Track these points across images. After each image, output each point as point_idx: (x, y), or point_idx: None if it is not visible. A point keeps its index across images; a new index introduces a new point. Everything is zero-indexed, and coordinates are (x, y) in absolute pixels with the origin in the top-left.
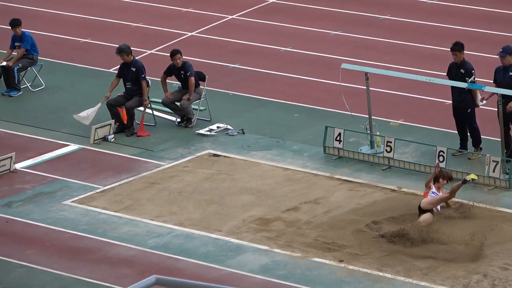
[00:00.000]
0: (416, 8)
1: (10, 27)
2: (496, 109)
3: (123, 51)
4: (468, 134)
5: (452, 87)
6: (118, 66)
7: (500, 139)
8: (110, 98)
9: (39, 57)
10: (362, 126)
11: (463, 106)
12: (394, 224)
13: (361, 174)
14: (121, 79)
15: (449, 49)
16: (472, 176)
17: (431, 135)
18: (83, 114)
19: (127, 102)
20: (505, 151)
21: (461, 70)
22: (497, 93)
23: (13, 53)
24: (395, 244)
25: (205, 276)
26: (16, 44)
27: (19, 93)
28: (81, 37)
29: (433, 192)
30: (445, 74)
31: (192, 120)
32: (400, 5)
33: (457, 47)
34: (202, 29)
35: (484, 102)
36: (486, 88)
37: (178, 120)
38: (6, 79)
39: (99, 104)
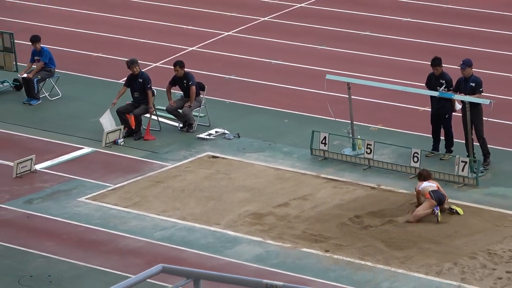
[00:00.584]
0: (393, 26)
1: (30, 43)
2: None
3: (134, 63)
4: (442, 137)
5: (431, 96)
6: (126, 77)
7: (464, 141)
8: (120, 106)
9: (56, 70)
10: (345, 130)
11: (442, 112)
12: (374, 218)
13: (344, 173)
14: (128, 88)
15: (425, 62)
16: (460, 211)
17: (407, 138)
18: (105, 123)
19: (135, 110)
20: (473, 152)
21: (441, 81)
22: (462, 101)
23: (32, 66)
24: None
25: (205, 265)
26: (36, 58)
27: (38, 102)
28: (93, 52)
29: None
30: (422, 84)
31: (193, 126)
32: (378, 22)
33: (437, 62)
34: (201, 44)
35: (460, 106)
36: (455, 96)
37: (181, 125)
38: (27, 89)
39: (108, 110)
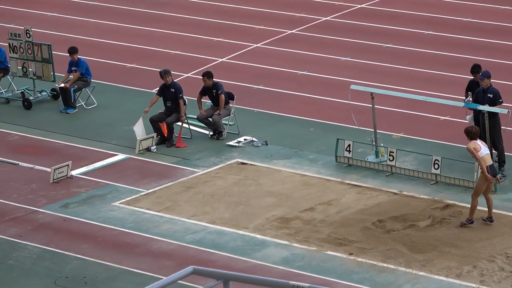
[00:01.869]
0: (414, 38)
1: (68, 54)
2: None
3: (167, 73)
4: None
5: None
6: (159, 87)
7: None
8: (153, 115)
9: (92, 80)
10: (369, 138)
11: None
12: (396, 222)
13: (367, 180)
14: (161, 97)
15: (444, 73)
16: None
17: (427, 146)
18: (138, 131)
19: (167, 118)
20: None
21: (489, 95)
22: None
23: (70, 76)
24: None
25: (234, 267)
26: (73, 68)
27: (75, 111)
28: (127, 63)
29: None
30: (442, 94)
31: (223, 133)
32: (400, 35)
33: (477, 69)
34: (230, 56)
35: (469, 117)
36: (480, 107)
37: (211, 133)
38: (64, 99)
39: (140, 119)
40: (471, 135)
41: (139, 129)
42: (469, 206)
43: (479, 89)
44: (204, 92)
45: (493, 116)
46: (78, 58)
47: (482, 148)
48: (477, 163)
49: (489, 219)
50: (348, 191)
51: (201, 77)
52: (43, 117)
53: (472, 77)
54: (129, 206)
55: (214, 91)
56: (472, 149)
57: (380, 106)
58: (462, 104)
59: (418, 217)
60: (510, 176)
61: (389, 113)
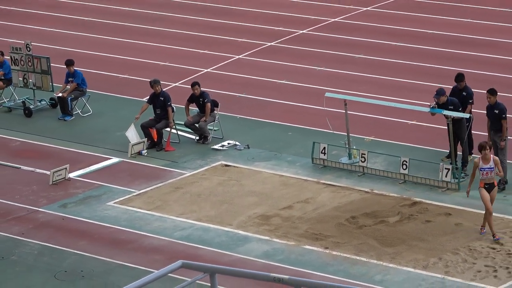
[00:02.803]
0: (383, 49)
1: (65, 66)
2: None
3: (157, 82)
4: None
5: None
6: (149, 96)
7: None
8: (144, 121)
9: (87, 89)
10: (342, 141)
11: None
12: (367, 218)
13: (341, 179)
14: (151, 105)
15: (412, 81)
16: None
17: (396, 148)
18: (131, 136)
19: (157, 124)
20: (455, 160)
21: (450, 106)
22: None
23: (67, 86)
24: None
25: (219, 261)
26: (70, 79)
27: (72, 118)
28: (120, 74)
29: (481, 169)
30: (410, 100)
31: (208, 138)
32: (370, 46)
33: (493, 92)
34: (215, 67)
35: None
36: (444, 111)
37: (197, 138)
38: (62, 107)
39: (132, 125)
40: (484, 148)
41: (131, 134)
42: (434, 203)
43: (488, 105)
44: (192, 100)
45: (459, 120)
46: (74, 69)
47: (480, 164)
48: (441, 164)
49: (483, 228)
50: (324, 190)
51: (191, 87)
52: (43, 124)
53: (457, 85)
54: (123, 206)
55: (201, 99)
56: (476, 164)
57: (352, 112)
58: (428, 109)
59: (387, 214)
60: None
61: (361, 118)
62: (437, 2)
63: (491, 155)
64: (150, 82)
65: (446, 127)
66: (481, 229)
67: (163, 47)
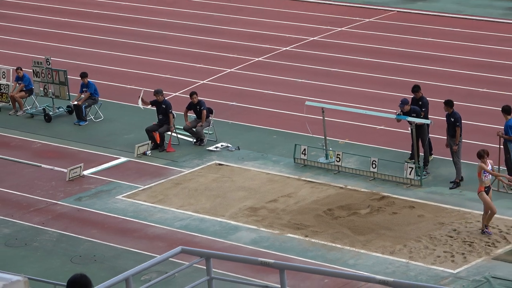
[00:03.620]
0: (355, 64)
1: (80, 78)
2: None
3: (159, 92)
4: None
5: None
6: (153, 100)
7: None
8: (148, 126)
9: (99, 98)
10: (320, 144)
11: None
12: (342, 211)
13: (319, 177)
14: (155, 109)
15: (380, 92)
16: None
17: (367, 150)
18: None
19: (159, 129)
20: (418, 159)
21: (413, 114)
22: (411, 121)
23: (81, 95)
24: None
25: (214, 247)
26: (84, 89)
27: (86, 123)
28: (127, 85)
29: (484, 172)
30: (378, 108)
31: (204, 141)
32: (344, 61)
33: (449, 103)
34: (210, 79)
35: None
36: (408, 118)
37: (194, 140)
38: (77, 113)
39: (140, 95)
40: (480, 156)
41: (140, 102)
42: (400, 197)
43: (447, 113)
44: (190, 107)
45: (421, 125)
46: (88, 81)
47: (489, 165)
48: (406, 164)
49: (484, 231)
50: (304, 186)
51: (189, 96)
52: (61, 129)
53: (414, 96)
54: (129, 199)
55: (198, 107)
56: (481, 168)
57: (329, 118)
58: (394, 116)
59: (359, 206)
60: (432, 173)
61: (336, 123)
62: (402, 23)
63: (488, 161)
64: (154, 91)
65: (410, 132)
66: (487, 228)
67: (165, 61)
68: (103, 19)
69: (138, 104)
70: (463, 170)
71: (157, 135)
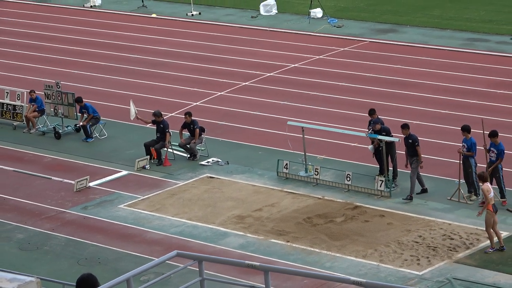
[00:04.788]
0: (332, 88)
1: (76, 103)
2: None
3: (157, 115)
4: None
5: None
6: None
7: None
8: (146, 141)
9: (104, 118)
10: (300, 159)
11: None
12: (320, 219)
13: (299, 188)
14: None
15: (354, 113)
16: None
17: (342, 165)
18: (132, 111)
19: (156, 145)
20: (387, 173)
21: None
22: (381, 140)
23: (84, 115)
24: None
25: (205, 251)
26: (83, 110)
27: (92, 140)
28: (128, 106)
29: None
30: (353, 127)
31: (197, 156)
32: (322, 86)
33: (405, 127)
34: (203, 101)
35: (371, 146)
36: (379, 136)
37: (188, 156)
38: (84, 132)
39: (131, 102)
40: (483, 179)
41: (132, 108)
42: (371, 207)
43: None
44: (184, 126)
45: (391, 143)
46: (84, 103)
47: (491, 191)
48: (376, 177)
49: (501, 248)
50: (286, 197)
51: (184, 116)
52: (69, 145)
53: (370, 118)
54: (130, 208)
55: (191, 126)
56: (485, 191)
57: (308, 136)
58: (366, 134)
59: (335, 215)
60: (400, 186)
61: (315, 141)
62: (374, 52)
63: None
64: (155, 112)
65: (380, 149)
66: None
67: (163, 85)
68: (107, 47)
69: (131, 113)
70: (428, 183)
71: (153, 150)
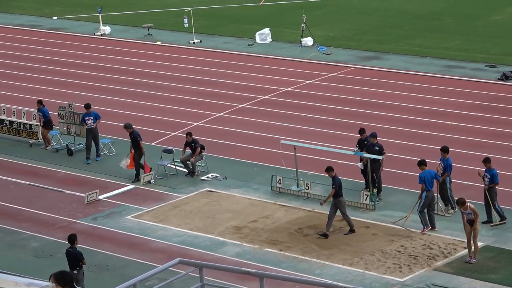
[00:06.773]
0: (321, 110)
1: (85, 108)
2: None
3: (129, 126)
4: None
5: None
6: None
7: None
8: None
9: (112, 137)
10: (292, 175)
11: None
12: (310, 229)
13: (291, 202)
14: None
15: (341, 133)
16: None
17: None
18: (123, 164)
19: (135, 157)
20: (373, 188)
21: (376, 148)
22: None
23: (88, 122)
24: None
25: (205, 258)
26: (86, 118)
27: (100, 158)
28: (134, 126)
29: (466, 213)
30: (340, 146)
31: (196, 172)
32: (312, 108)
33: (374, 134)
34: (203, 121)
35: (360, 163)
36: (365, 154)
37: (187, 172)
38: (96, 143)
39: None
40: (461, 203)
41: (123, 163)
42: (357, 218)
43: (369, 144)
44: (186, 145)
45: (376, 161)
46: (91, 111)
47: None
48: (362, 191)
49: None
50: (279, 209)
51: (184, 135)
52: (80, 161)
53: (360, 137)
54: (136, 219)
55: (193, 144)
56: (474, 209)
57: (300, 154)
58: (352, 152)
59: (324, 226)
60: (384, 200)
61: (305, 158)
62: (359, 77)
63: (468, 205)
64: (124, 125)
65: (361, 167)
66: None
67: (167, 107)
68: (115, 72)
69: (122, 163)
70: (409, 197)
71: (146, 165)
